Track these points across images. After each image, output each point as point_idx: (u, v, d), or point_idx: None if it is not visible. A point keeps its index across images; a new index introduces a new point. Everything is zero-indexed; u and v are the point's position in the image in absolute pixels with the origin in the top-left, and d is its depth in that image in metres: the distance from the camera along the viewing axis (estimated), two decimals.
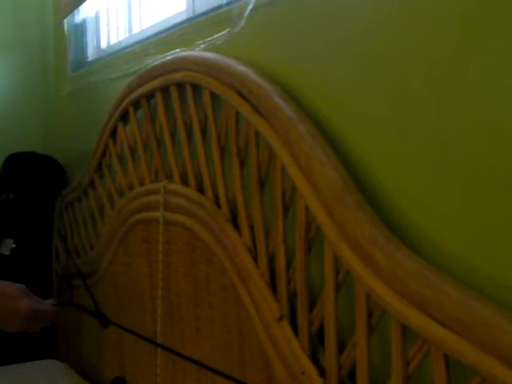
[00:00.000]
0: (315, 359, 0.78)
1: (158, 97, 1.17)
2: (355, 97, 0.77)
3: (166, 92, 1.15)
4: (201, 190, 1.05)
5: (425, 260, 0.62)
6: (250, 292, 0.88)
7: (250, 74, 0.88)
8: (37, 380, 1.52)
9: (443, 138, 0.65)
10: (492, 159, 0.60)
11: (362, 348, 0.69)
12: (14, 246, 1.80)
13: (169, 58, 1.13)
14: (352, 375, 0.72)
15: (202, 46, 1.10)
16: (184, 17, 1.28)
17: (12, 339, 1.83)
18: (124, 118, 1.34)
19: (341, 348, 0.74)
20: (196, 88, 1.05)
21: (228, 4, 1.05)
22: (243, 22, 0.98)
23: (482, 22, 0.61)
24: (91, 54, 1.85)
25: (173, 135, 1.15)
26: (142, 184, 1.26)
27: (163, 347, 1.15)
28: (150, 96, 1.21)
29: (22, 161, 1.95)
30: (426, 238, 0.67)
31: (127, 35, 1.65)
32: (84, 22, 1.87)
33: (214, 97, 0.99)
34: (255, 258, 0.89)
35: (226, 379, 0.94)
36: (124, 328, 1.22)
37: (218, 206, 0.98)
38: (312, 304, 0.79)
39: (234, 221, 0.95)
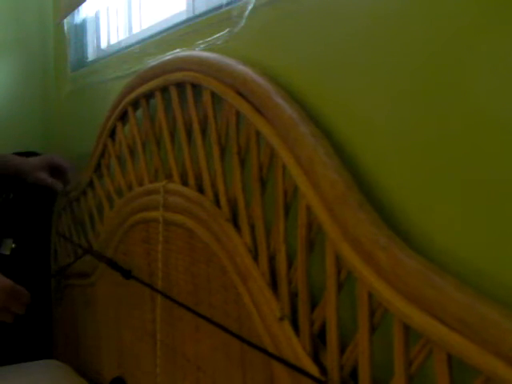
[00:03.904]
0: (317, 359, 0.78)
1: (158, 97, 1.17)
2: (356, 97, 0.77)
3: (165, 92, 1.15)
4: (201, 189, 1.04)
5: (427, 260, 0.62)
6: (251, 292, 0.88)
7: (251, 74, 0.88)
8: (37, 380, 1.52)
9: (446, 137, 0.65)
10: (494, 159, 0.60)
11: (364, 348, 0.69)
12: (13, 245, 1.80)
13: (168, 57, 1.13)
14: (354, 375, 0.72)
15: (202, 46, 1.10)
16: (184, 17, 1.28)
17: (12, 339, 1.83)
18: (123, 117, 1.34)
19: (342, 348, 0.74)
20: (196, 88, 1.05)
21: (228, 4, 1.05)
22: (243, 22, 0.98)
23: (482, 20, 0.61)
24: (91, 53, 1.85)
25: (172, 135, 1.15)
26: (141, 184, 1.26)
27: (163, 294, 1.14)
28: (149, 96, 1.21)
29: None
30: (428, 237, 0.67)
31: (127, 35, 1.65)
32: (84, 22, 1.87)
33: (215, 97, 0.99)
34: (256, 258, 0.89)
35: (224, 332, 0.94)
36: (144, 283, 1.22)
37: (218, 205, 0.98)
38: (313, 304, 0.79)
39: (235, 221, 0.95)
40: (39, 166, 1.62)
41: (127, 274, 1.26)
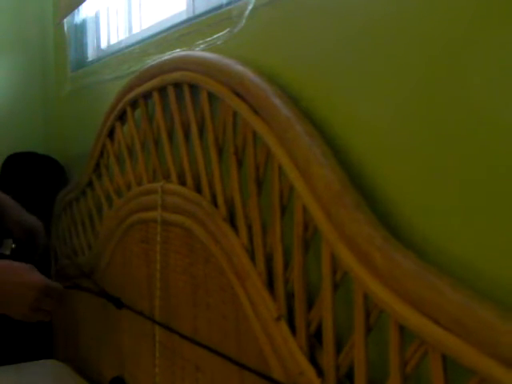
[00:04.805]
0: (313, 359, 0.78)
1: (156, 97, 1.17)
2: (353, 97, 0.77)
3: (163, 92, 1.15)
4: (198, 189, 1.04)
5: (423, 260, 0.62)
6: (248, 292, 0.88)
7: (248, 74, 0.88)
8: (36, 380, 1.52)
9: (441, 137, 0.65)
10: (491, 159, 0.60)
11: (360, 348, 0.69)
12: (13, 246, 1.80)
13: (166, 57, 1.13)
14: (350, 375, 0.72)
15: (202, 46, 1.10)
16: (184, 17, 1.28)
17: (12, 339, 1.83)
18: (121, 117, 1.34)
19: (339, 348, 0.73)
20: (193, 88, 1.05)
21: (228, 4, 1.05)
22: (243, 22, 0.98)
23: (482, 20, 0.60)
24: (91, 54, 1.85)
25: (170, 135, 1.15)
26: (139, 184, 1.26)
27: (161, 325, 1.14)
28: (147, 96, 1.21)
29: (22, 161, 1.95)
30: (425, 238, 0.67)
31: (127, 35, 1.65)
32: (84, 22, 1.87)
33: (212, 97, 0.99)
34: (253, 258, 0.89)
35: (222, 358, 0.94)
36: (135, 311, 1.22)
37: (216, 205, 0.98)
38: (310, 304, 0.79)
39: (232, 221, 0.95)
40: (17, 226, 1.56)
41: (119, 304, 1.24)
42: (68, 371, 1.60)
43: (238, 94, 0.90)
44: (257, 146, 0.88)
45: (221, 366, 0.98)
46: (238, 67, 0.91)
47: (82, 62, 1.87)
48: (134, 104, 1.27)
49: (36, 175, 1.94)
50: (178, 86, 1.09)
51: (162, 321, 1.16)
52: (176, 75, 1.07)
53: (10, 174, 1.95)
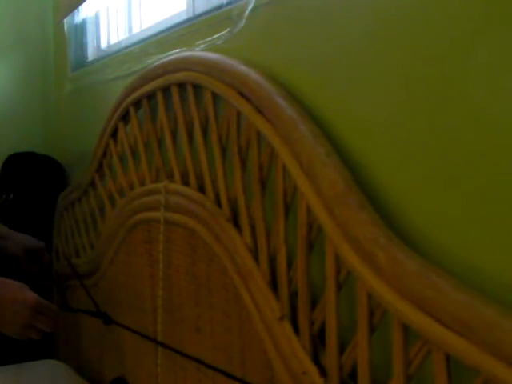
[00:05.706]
0: (316, 359, 0.78)
1: (159, 97, 1.17)
2: (357, 97, 0.77)
3: (166, 92, 1.15)
4: (202, 189, 1.05)
5: (426, 260, 0.62)
6: (251, 292, 0.88)
7: (252, 74, 0.88)
8: (37, 380, 1.52)
9: (445, 138, 0.65)
10: (493, 159, 0.60)
11: (364, 348, 0.69)
12: None
13: (170, 58, 1.13)
14: (353, 375, 0.72)
15: (202, 46, 1.10)
16: (184, 17, 1.28)
17: (13, 339, 1.83)
18: (125, 118, 1.34)
19: (342, 348, 0.74)
20: (197, 88, 1.05)
21: (228, 4, 1.05)
22: (243, 22, 0.98)
23: (483, 20, 0.61)
24: (91, 54, 1.85)
25: (174, 135, 1.15)
26: (142, 184, 1.26)
27: (163, 345, 1.15)
28: (150, 96, 1.21)
29: (22, 161, 1.95)
30: (428, 238, 0.67)
31: (127, 35, 1.65)
32: (84, 22, 1.87)
33: (216, 97, 1.00)
34: (256, 258, 0.89)
35: (226, 377, 0.94)
36: (126, 327, 1.22)
37: (219, 205, 0.98)
38: (313, 304, 0.79)
39: (235, 221, 0.95)
40: (19, 251, 1.54)
41: (108, 320, 1.24)
42: (68, 371, 1.60)
43: (241, 94, 0.90)
44: (261, 145, 0.88)
45: (223, 366, 0.99)
46: (242, 67, 0.91)
47: (81, 62, 1.87)
48: (137, 104, 1.27)
49: (36, 175, 1.95)
50: (181, 86, 1.10)
51: (164, 321, 1.16)
52: (180, 75, 1.07)
53: (9, 173, 1.95)
